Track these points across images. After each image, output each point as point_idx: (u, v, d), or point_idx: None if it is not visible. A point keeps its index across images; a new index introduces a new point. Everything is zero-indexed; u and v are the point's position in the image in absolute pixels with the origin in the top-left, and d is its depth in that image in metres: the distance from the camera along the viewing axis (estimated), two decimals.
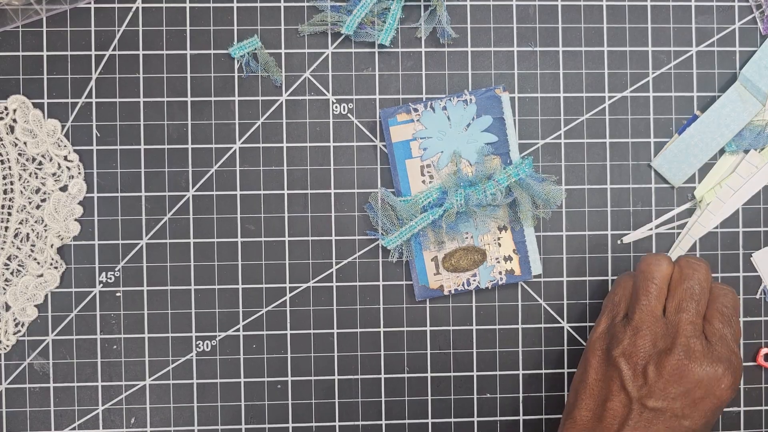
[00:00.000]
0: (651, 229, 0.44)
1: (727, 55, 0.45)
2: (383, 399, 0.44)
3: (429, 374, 0.44)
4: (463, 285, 0.43)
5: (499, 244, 0.43)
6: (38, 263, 0.43)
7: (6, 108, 0.42)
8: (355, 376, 0.44)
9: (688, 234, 0.44)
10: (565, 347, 0.44)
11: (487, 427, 0.44)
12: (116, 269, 0.43)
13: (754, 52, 0.44)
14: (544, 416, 0.44)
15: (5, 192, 0.43)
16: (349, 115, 0.44)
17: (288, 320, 0.44)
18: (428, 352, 0.44)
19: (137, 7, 0.43)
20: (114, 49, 0.43)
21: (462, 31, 0.44)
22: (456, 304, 0.44)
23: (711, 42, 0.45)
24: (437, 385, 0.44)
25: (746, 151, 0.44)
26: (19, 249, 0.43)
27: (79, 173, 0.43)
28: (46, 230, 0.43)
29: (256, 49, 0.43)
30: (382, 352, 0.44)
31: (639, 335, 0.36)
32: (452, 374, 0.44)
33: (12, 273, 0.43)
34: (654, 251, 0.45)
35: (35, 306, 0.43)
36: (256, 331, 0.44)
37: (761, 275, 0.45)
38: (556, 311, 0.44)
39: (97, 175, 0.43)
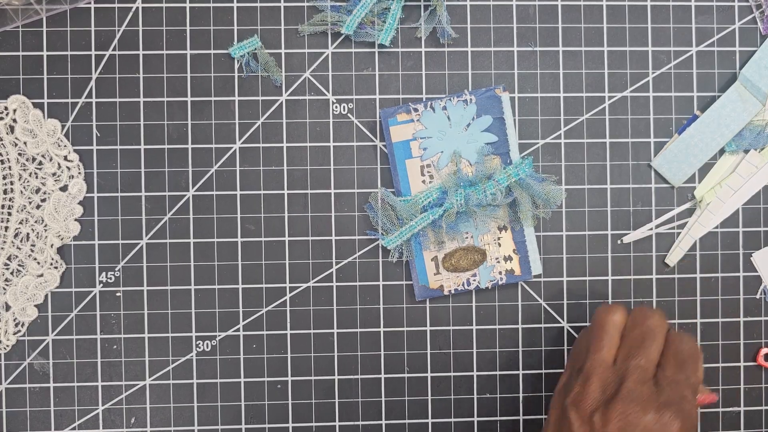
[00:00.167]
0: (651, 229, 0.45)
1: (727, 55, 0.45)
2: (383, 399, 0.44)
3: (429, 374, 0.44)
4: (463, 285, 0.43)
5: (499, 244, 0.43)
6: (38, 263, 0.43)
7: (6, 108, 0.42)
8: (355, 376, 0.44)
9: (688, 234, 0.44)
10: (565, 347, 0.44)
11: (487, 427, 0.44)
12: (116, 269, 0.43)
13: (754, 52, 0.44)
14: (544, 416, 0.44)
15: (5, 192, 0.43)
16: (349, 115, 0.44)
17: (288, 320, 0.44)
18: (428, 352, 0.44)
19: (137, 7, 0.43)
20: (114, 49, 0.43)
21: (462, 31, 0.44)
22: (456, 304, 0.44)
23: (711, 42, 0.45)
24: (437, 385, 0.44)
25: (746, 151, 0.44)
26: (19, 249, 0.43)
27: (79, 173, 0.43)
28: (46, 230, 0.43)
29: (256, 49, 0.43)
30: (382, 352, 0.44)
31: (588, 383, 0.35)
32: (452, 374, 0.44)
33: (12, 273, 0.43)
34: (654, 249, 0.45)
35: (35, 306, 0.43)
36: (256, 331, 0.44)
37: (761, 275, 0.45)
38: (556, 311, 0.44)
39: (97, 175, 0.43)
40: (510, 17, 0.44)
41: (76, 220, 0.43)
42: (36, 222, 0.43)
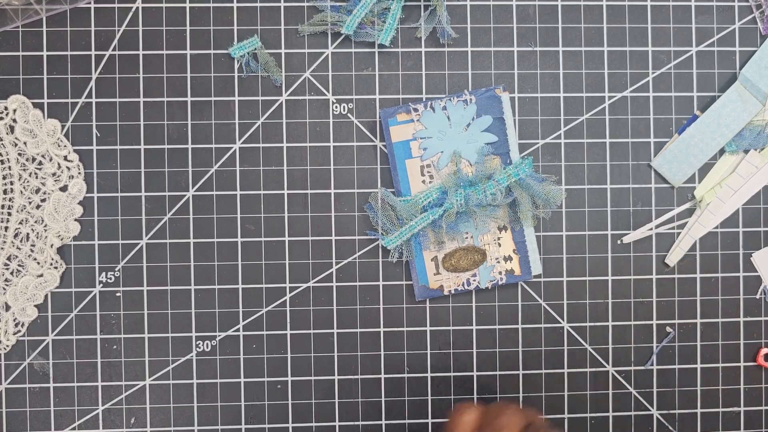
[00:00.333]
0: (651, 229, 0.44)
1: (727, 55, 0.45)
2: (383, 399, 0.44)
3: (429, 374, 0.44)
4: (463, 285, 0.43)
5: (499, 244, 0.43)
6: (38, 263, 0.43)
7: (6, 108, 0.42)
8: (355, 376, 0.44)
9: (688, 234, 0.44)
10: (565, 347, 0.44)
11: None
12: (116, 269, 0.43)
13: (754, 52, 0.44)
14: (544, 416, 0.44)
15: (5, 192, 0.43)
16: (349, 115, 0.44)
17: (288, 320, 0.44)
18: (428, 352, 0.44)
19: (137, 7, 0.43)
20: (114, 49, 0.43)
21: (462, 31, 0.44)
22: (456, 304, 0.44)
23: (711, 42, 0.45)
24: (437, 385, 0.44)
25: (746, 151, 0.44)
26: (19, 249, 0.43)
27: (79, 173, 0.43)
28: (46, 230, 0.43)
29: (256, 49, 0.43)
30: (382, 352, 0.44)
31: None
32: (452, 374, 0.44)
33: (12, 273, 0.43)
34: (654, 249, 0.45)
35: (35, 306, 0.43)
36: (256, 331, 0.44)
37: (761, 275, 0.45)
38: (556, 311, 0.44)
39: (97, 175, 0.43)
40: (510, 17, 0.44)
41: (76, 220, 0.43)
42: (36, 222, 0.43)
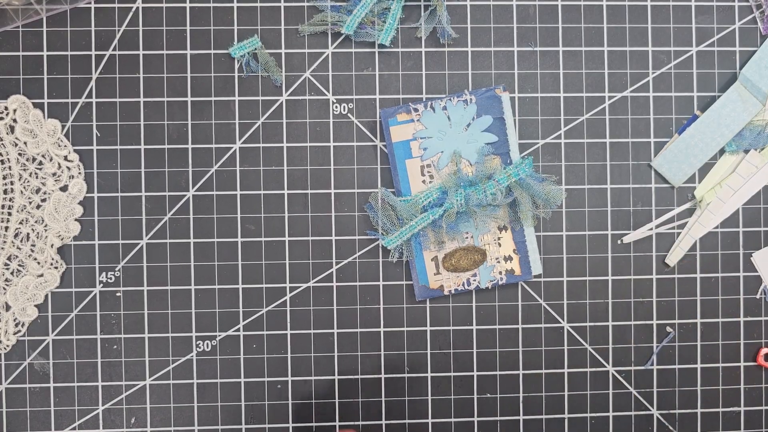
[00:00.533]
0: (651, 229, 0.45)
1: (727, 55, 0.45)
2: (383, 399, 0.44)
3: (429, 374, 0.44)
4: (463, 285, 0.43)
5: (499, 244, 0.43)
6: (38, 263, 0.43)
7: (6, 108, 0.42)
8: (355, 376, 0.44)
9: (688, 234, 0.44)
10: (566, 347, 0.44)
11: (487, 427, 0.44)
12: (116, 269, 0.43)
13: (754, 52, 0.44)
14: (544, 416, 0.44)
15: (5, 192, 0.43)
16: (349, 115, 0.44)
17: (288, 320, 0.44)
18: (428, 352, 0.44)
19: (137, 7, 0.43)
20: (114, 49, 0.43)
21: (462, 31, 0.44)
22: (456, 304, 0.44)
23: (711, 42, 0.45)
24: (437, 385, 0.44)
25: (746, 151, 0.44)
26: (20, 249, 0.43)
27: (79, 173, 0.43)
28: (46, 230, 0.43)
29: (256, 49, 0.43)
30: (382, 352, 0.44)
31: None
32: (452, 374, 0.44)
33: (12, 273, 0.43)
34: (654, 249, 0.45)
35: (35, 306, 0.43)
36: (256, 331, 0.44)
37: (761, 275, 0.45)
38: (556, 311, 0.44)
39: (97, 175, 0.43)
40: (510, 17, 0.44)
41: (76, 220, 0.43)
42: (36, 222, 0.43)
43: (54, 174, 0.43)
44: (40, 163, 0.43)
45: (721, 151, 0.45)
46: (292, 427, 0.44)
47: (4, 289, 0.43)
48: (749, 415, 0.45)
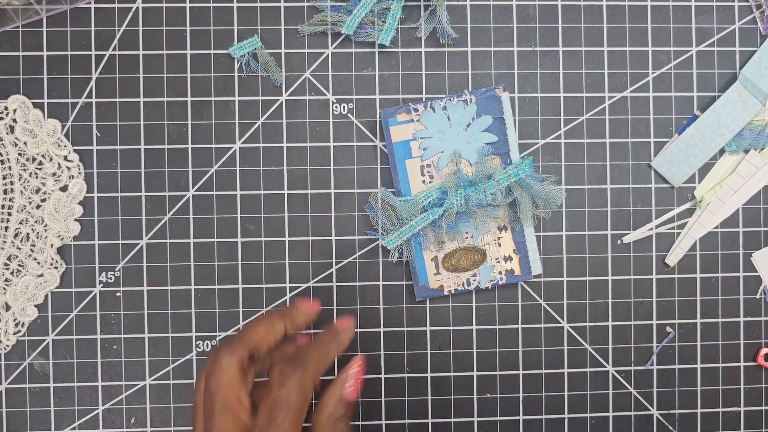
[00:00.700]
0: (651, 229, 0.44)
1: (727, 55, 0.45)
2: (383, 399, 0.44)
3: (429, 374, 0.44)
4: (463, 285, 0.43)
5: (499, 244, 0.43)
6: (38, 263, 0.43)
7: (6, 108, 0.42)
8: None
9: (688, 234, 0.44)
10: (565, 347, 0.44)
11: (487, 427, 0.44)
12: (116, 269, 0.43)
13: (754, 52, 0.44)
14: (544, 416, 0.44)
15: (5, 192, 0.43)
16: (349, 115, 0.44)
17: None
18: (428, 352, 0.44)
19: (137, 7, 0.43)
20: (114, 49, 0.43)
21: (462, 31, 0.44)
22: (456, 304, 0.44)
23: (711, 42, 0.45)
24: (437, 385, 0.44)
25: (746, 151, 0.44)
26: (19, 249, 0.43)
27: (79, 173, 0.43)
28: (46, 230, 0.43)
29: (256, 49, 0.43)
30: (382, 352, 0.44)
31: None
32: (452, 374, 0.44)
33: (12, 273, 0.43)
34: (654, 249, 0.45)
35: (35, 306, 0.43)
36: None
37: (761, 275, 0.45)
38: (556, 311, 0.44)
39: (97, 175, 0.43)
40: (510, 17, 0.44)
41: (76, 220, 0.43)
42: (36, 222, 0.43)
43: (54, 174, 0.43)
44: (40, 163, 0.43)
45: (721, 151, 0.44)
46: None
47: (4, 289, 0.43)
48: (749, 415, 0.45)
